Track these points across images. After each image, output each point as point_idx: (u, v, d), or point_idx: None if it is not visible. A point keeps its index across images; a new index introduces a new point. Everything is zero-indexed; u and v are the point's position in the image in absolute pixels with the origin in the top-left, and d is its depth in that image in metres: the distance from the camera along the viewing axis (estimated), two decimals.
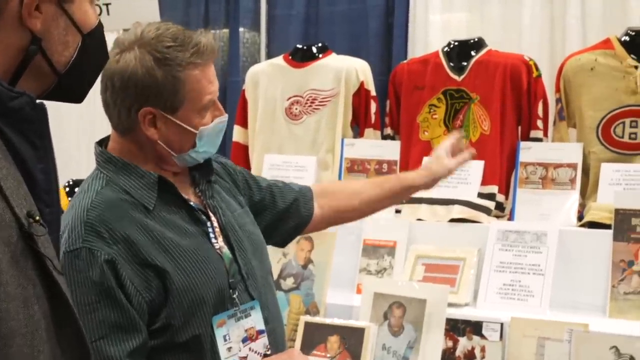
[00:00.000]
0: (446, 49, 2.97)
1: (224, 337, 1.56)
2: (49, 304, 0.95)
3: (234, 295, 1.58)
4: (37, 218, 0.96)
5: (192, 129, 1.57)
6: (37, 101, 1.00)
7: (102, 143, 1.63)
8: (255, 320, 1.62)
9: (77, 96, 1.15)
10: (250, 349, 1.60)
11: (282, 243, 1.97)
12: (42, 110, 1.01)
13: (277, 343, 1.67)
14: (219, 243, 1.60)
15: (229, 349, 1.56)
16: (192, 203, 1.61)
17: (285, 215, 1.88)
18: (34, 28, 1.02)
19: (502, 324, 2.37)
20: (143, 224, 1.51)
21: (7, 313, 0.88)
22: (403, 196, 2.15)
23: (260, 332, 1.62)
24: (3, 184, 0.93)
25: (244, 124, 3.26)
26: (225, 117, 1.63)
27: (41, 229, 0.96)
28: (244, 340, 1.59)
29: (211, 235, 1.60)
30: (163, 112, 1.54)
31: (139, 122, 1.54)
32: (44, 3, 1.02)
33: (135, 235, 1.48)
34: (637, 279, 2.42)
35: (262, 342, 1.62)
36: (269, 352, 1.63)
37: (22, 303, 0.91)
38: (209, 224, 1.61)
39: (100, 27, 1.12)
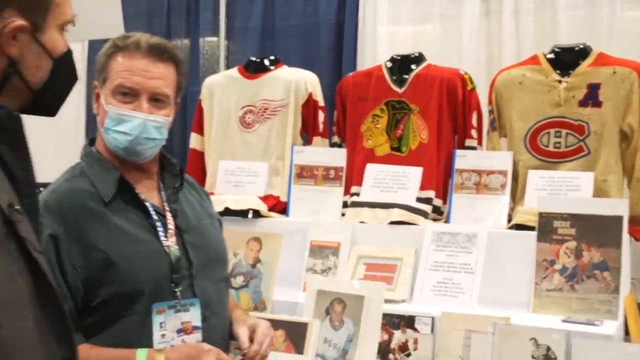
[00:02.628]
0: (389, 63, 3.16)
1: (160, 323, 1.71)
2: (31, 278, 1.11)
3: (176, 290, 1.73)
4: (17, 207, 1.13)
5: (105, 106, 1.77)
6: (14, 113, 1.19)
7: (94, 140, 1.86)
8: (193, 316, 1.76)
9: (50, 111, 1.35)
10: (183, 340, 1.74)
11: None
12: (17, 119, 1.19)
13: (214, 341, 1.79)
14: (168, 242, 1.76)
15: (163, 335, 1.71)
16: (147, 203, 1.78)
17: None
18: (10, 53, 1.21)
19: (433, 318, 2.56)
20: (97, 212, 1.70)
21: None
22: None
23: (195, 328, 1.76)
24: None
25: (201, 131, 3.42)
26: (137, 114, 1.75)
27: (20, 216, 1.13)
28: (179, 332, 1.73)
29: (160, 233, 1.76)
30: (100, 87, 1.79)
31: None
32: (20, 33, 1.21)
33: (86, 220, 1.68)
34: (558, 277, 2.61)
35: (196, 337, 1.76)
36: None
37: (7, 277, 1.07)
38: (159, 224, 1.77)
39: (69, 52, 1.31)
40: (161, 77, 1.77)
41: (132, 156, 1.79)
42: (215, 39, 4.13)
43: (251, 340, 1.84)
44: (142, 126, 1.76)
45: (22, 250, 1.12)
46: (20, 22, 1.20)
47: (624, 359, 2.27)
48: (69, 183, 1.75)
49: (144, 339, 1.69)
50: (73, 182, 1.75)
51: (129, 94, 1.75)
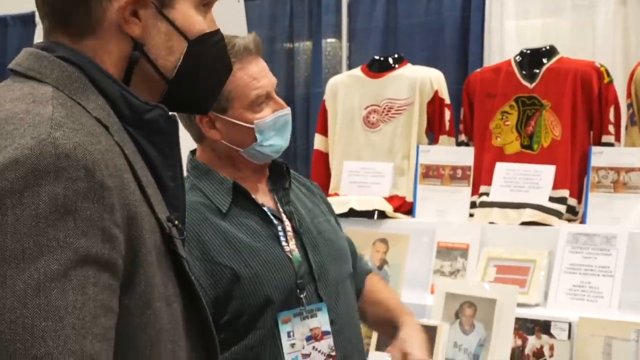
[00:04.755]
0: (518, 57, 3.04)
1: (288, 333, 1.65)
2: (183, 302, 1.02)
3: (302, 295, 1.68)
4: (177, 223, 1.03)
5: (247, 125, 1.70)
6: (170, 113, 1.06)
7: (195, 152, 1.82)
8: (322, 321, 1.69)
9: (197, 106, 1.18)
10: (314, 347, 1.68)
11: None
12: (174, 122, 1.07)
13: (345, 346, 1.74)
14: (290, 246, 1.71)
15: (292, 345, 1.66)
16: (265, 207, 1.74)
17: None
18: (132, 34, 1.04)
19: (570, 324, 2.44)
20: (217, 226, 1.67)
21: (160, 311, 0.96)
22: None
23: (325, 333, 1.70)
24: (147, 191, 0.99)
25: (325, 132, 3.40)
26: (285, 110, 1.74)
27: (178, 233, 1.04)
28: (308, 339, 1.67)
29: (282, 238, 1.71)
30: (217, 114, 1.70)
31: (200, 127, 1.72)
32: (141, 9, 1.04)
33: (207, 236, 1.65)
34: None
35: (327, 342, 1.70)
36: (333, 353, 1.70)
37: (165, 302, 0.97)
38: (280, 227, 1.72)
39: (214, 34, 1.12)
40: (268, 68, 1.75)
41: (280, 153, 1.78)
42: (336, 40, 4.12)
43: None
44: (288, 119, 1.77)
45: (176, 271, 1.02)
46: None
47: None
48: None
49: (275, 350, 1.65)
50: (187, 197, 1.72)
51: (262, 100, 1.72)
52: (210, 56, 1.13)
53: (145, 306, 0.94)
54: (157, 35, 1.06)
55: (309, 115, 4.07)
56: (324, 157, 3.41)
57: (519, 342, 2.49)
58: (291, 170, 1.88)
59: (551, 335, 2.46)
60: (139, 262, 0.93)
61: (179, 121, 1.71)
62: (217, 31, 1.13)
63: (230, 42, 1.67)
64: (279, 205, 1.78)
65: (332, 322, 1.72)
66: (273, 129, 1.73)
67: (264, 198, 1.77)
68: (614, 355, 2.33)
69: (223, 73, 1.18)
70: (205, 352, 1.07)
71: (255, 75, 1.70)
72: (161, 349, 0.96)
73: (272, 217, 1.73)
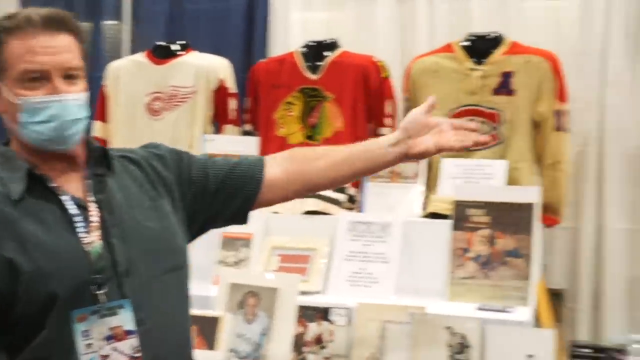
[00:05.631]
0: (302, 49, 3.10)
1: (84, 332, 1.52)
2: None
3: (98, 292, 1.54)
4: None
5: (13, 99, 1.56)
6: None
7: (9, 141, 1.65)
8: (124, 320, 1.56)
9: None
10: (114, 348, 1.54)
11: (239, 220, 1.86)
12: None
13: (156, 347, 1.60)
14: (90, 237, 1.57)
15: (89, 345, 1.53)
16: (65, 196, 1.58)
17: (226, 191, 1.80)
18: None
19: (348, 309, 2.52)
20: (4, 216, 1.52)
21: None
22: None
23: (128, 333, 1.56)
24: None
25: (104, 118, 3.27)
26: (57, 97, 1.56)
27: None
28: (108, 339, 1.55)
29: (80, 229, 1.57)
30: None
31: None
32: None
33: None
34: (472, 264, 2.61)
35: (130, 343, 1.56)
36: (137, 355, 1.56)
37: None
38: (80, 217, 1.57)
39: None
40: (68, 49, 1.57)
41: (60, 145, 1.59)
42: (118, 22, 3.96)
43: None
44: (63, 109, 1.57)
45: None
46: None
47: (535, 344, 2.29)
48: None
49: (69, 351, 1.51)
50: None
51: (38, 78, 1.55)
52: None
53: None
54: None
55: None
56: (104, 144, 3.25)
57: (301, 330, 2.53)
58: (131, 154, 1.73)
59: (331, 321, 2.52)
60: None
61: None
62: None
63: (15, 13, 1.57)
64: (88, 194, 1.62)
65: (140, 322, 1.57)
66: (39, 113, 1.57)
67: (71, 185, 1.61)
68: (390, 337, 2.43)
69: None
70: None
71: (35, 49, 1.54)
72: None
73: (72, 206, 1.58)
